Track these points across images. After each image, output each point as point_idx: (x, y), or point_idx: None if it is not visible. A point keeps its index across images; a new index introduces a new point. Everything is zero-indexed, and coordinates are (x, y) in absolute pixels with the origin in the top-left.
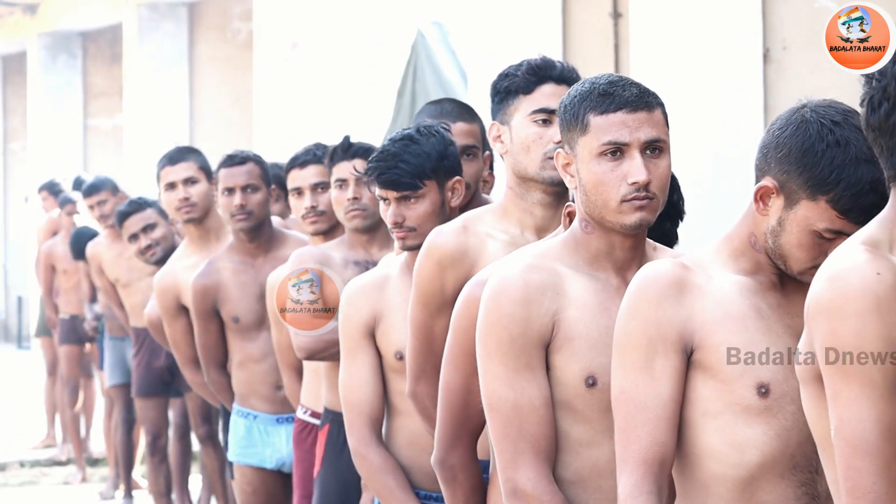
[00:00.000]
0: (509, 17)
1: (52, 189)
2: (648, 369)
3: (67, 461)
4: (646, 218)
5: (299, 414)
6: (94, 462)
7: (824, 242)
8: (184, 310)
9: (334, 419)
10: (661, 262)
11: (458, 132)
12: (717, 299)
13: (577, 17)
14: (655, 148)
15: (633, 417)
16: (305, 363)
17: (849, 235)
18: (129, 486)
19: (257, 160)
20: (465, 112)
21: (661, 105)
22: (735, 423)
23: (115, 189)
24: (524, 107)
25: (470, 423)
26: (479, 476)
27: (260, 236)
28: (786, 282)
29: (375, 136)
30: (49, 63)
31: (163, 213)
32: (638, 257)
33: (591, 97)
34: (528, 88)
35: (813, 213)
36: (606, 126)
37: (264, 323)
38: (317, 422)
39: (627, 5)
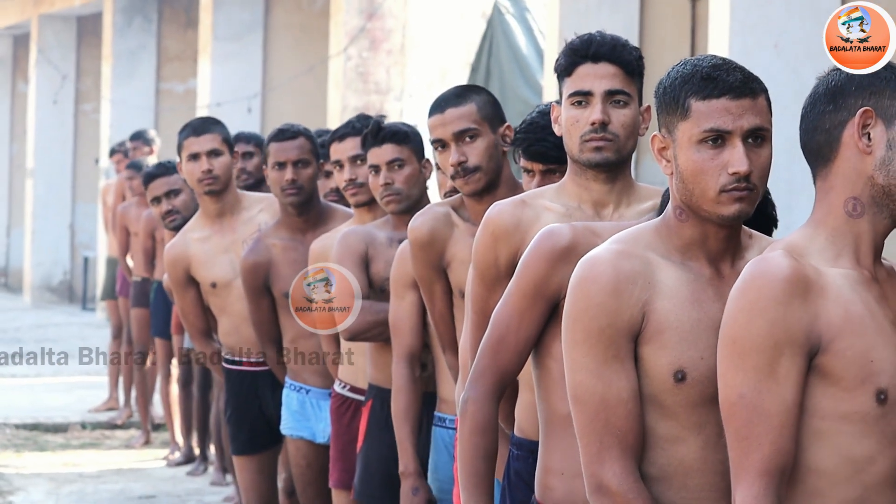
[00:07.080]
0: None
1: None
2: (773, 374)
3: (125, 425)
4: (744, 209)
5: (337, 388)
6: (157, 427)
7: None
8: (193, 281)
9: (377, 395)
10: (777, 257)
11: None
12: (836, 297)
13: None
14: (758, 136)
15: (754, 425)
16: None
17: None
18: (205, 452)
19: (307, 134)
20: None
21: (766, 91)
22: (851, 434)
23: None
24: (566, 89)
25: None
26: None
27: (309, 211)
28: (878, 271)
29: None
30: (124, 25)
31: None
32: (732, 247)
33: (693, 80)
34: (568, 70)
35: None
36: (708, 112)
37: None
38: (355, 396)
39: None
